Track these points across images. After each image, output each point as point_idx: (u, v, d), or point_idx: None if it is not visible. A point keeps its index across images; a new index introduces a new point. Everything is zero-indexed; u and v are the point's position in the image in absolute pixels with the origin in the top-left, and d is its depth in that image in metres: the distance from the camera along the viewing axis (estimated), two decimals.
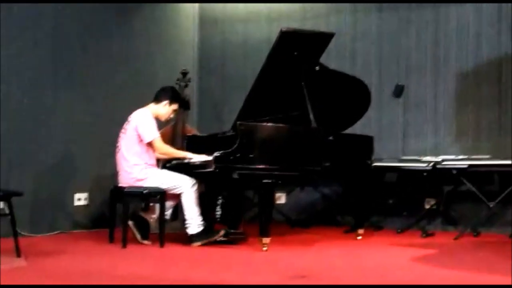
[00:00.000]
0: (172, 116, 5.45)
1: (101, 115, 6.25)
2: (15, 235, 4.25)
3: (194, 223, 5.03)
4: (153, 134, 5.09)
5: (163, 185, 5.03)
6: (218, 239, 5.05)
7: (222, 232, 5.06)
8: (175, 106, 5.35)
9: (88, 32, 6.20)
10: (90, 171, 6.16)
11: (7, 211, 4.33)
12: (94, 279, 3.60)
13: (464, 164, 5.68)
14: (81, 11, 6.10)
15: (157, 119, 5.30)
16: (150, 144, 5.10)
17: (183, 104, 5.78)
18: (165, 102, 5.26)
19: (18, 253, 4.24)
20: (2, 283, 3.45)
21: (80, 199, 6.08)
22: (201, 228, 5.06)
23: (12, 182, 5.32)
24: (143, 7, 6.88)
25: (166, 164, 5.53)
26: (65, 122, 5.97)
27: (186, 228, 5.07)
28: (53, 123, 5.86)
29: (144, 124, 5.08)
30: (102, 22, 6.36)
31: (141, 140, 5.08)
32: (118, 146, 5.19)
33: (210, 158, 4.79)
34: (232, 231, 5.19)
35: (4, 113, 5.42)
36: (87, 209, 6.13)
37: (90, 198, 6.15)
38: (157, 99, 5.27)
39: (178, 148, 5.60)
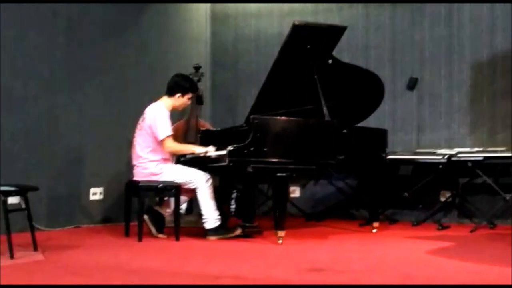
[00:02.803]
0: (188, 103, 5.44)
1: (115, 111, 6.28)
2: (32, 229, 4.30)
3: (210, 218, 5.04)
4: (166, 132, 5.08)
5: (177, 180, 5.05)
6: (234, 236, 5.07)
7: (238, 231, 5.06)
8: (189, 95, 5.33)
9: (101, 29, 6.23)
10: (105, 166, 6.19)
11: (23, 206, 4.37)
12: (110, 273, 3.62)
13: (480, 156, 5.65)
14: (94, 8, 6.13)
15: (175, 110, 5.33)
16: (161, 142, 5.10)
17: (196, 89, 5.70)
18: (178, 95, 5.26)
19: (35, 247, 4.29)
20: (20, 276, 3.48)
21: (96, 193, 6.12)
22: (218, 223, 5.07)
23: (29, 177, 5.36)
24: (155, 3, 6.88)
25: (180, 158, 5.55)
26: (80, 117, 6.00)
27: (203, 223, 5.08)
28: (69, 119, 5.90)
29: (157, 122, 5.08)
30: (115, 19, 6.38)
31: (156, 137, 5.09)
32: (133, 142, 5.20)
33: (223, 152, 4.79)
34: (247, 224, 5.20)
35: (21, 110, 5.46)
36: (102, 203, 6.17)
37: (105, 193, 6.19)
38: (170, 92, 5.26)
39: (191, 143, 5.62)
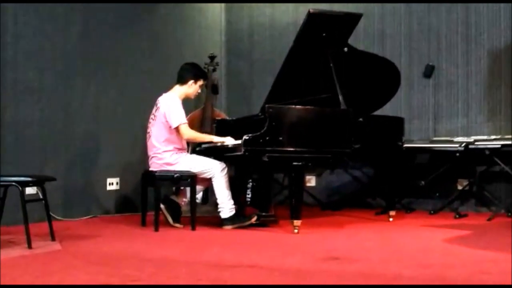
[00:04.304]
0: (199, 91, 5.42)
1: (131, 101, 6.30)
2: (49, 219, 4.33)
3: (226, 207, 5.05)
4: (179, 119, 5.08)
5: (193, 170, 5.05)
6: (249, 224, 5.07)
7: (254, 218, 5.06)
8: (201, 82, 5.34)
9: (116, 19, 6.24)
10: (121, 156, 6.22)
11: (41, 196, 4.40)
12: (127, 262, 3.64)
13: (497, 144, 5.60)
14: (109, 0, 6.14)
15: (187, 98, 5.33)
16: (177, 129, 5.10)
17: (206, 76, 5.72)
18: (191, 82, 5.26)
19: (52, 237, 4.32)
20: (39, 266, 3.51)
21: (112, 183, 6.15)
22: (233, 212, 5.07)
23: (46, 168, 5.41)
24: None
25: (196, 148, 5.56)
26: (96, 108, 6.03)
27: (218, 212, 5.09)
28: (85, 110, 5.93)
29: (171, 110, 5.08)
30: (129, 9, 6.38)
31: (170, 126, 5.09)
32: (148, 132, 5.22)
33: (239, 141, 4.79)
34: (263, 214, 5.20)
35: (38, 102, 5.50)
36: (119, 193, 6.21)
37: (121, 183, 6.22)
38: (181, 80, 5.27)
39: (207, 133, 5.62)
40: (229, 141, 5.02)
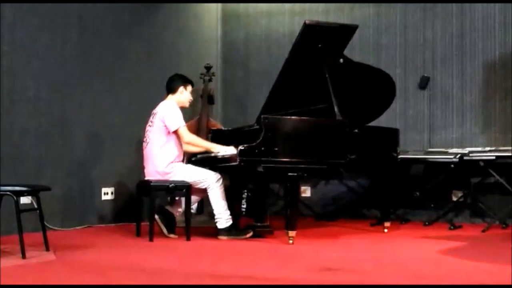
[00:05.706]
0: (191, 98, 5.39)
1: (127, 111, 6.30)
2: (44, 229, 4.31)
3: (223, 217, 5.05)
4: (179, 122, 5.09)
5: (188, 180, 5.05)
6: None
7: (250, 234, 5.05)
8: (189, 87, 5.35)
9: (113, 29, 6.25)
10: (116, 166, 6.21)
11: (35, 206, 4.39)
12: (121, 273, 3.63)
13: (492, 155, 5.63)
14: (106, 8, 6.15)
15: (183, 108, 5.33)
16: (176, 133, 5.11)
17: (192, 82, 5.74)
18: (181, 89, 5.27)
19: (47, 247, 4.30)
20: (33, 276, 3.50)
21: (107, 193, 6.14)
22: (230, 223, 5.07)
23: (42, 177, 5.40)
24: (166, 3, 6.90)
25: (191, 158, 5.55)
26: (92, 118, 6.02)
27: (215, 222, 5.08)
28: (80, 120, 5.92)
29: (170, 114, 5.09)
30: (126, 19, 6.40)
31: (169, 132, 5.09)
32: (146, 140, 5.21)
33: (235, 151, 4.79)
34: (258, 224, 5.20)
35: (33, 110, 5.49)
36: (114, 203, 6.19)
37: (116, 193, 6.21)
38: (171, 90, 5.27)
39: None
40: (230, 151, 4.97)
